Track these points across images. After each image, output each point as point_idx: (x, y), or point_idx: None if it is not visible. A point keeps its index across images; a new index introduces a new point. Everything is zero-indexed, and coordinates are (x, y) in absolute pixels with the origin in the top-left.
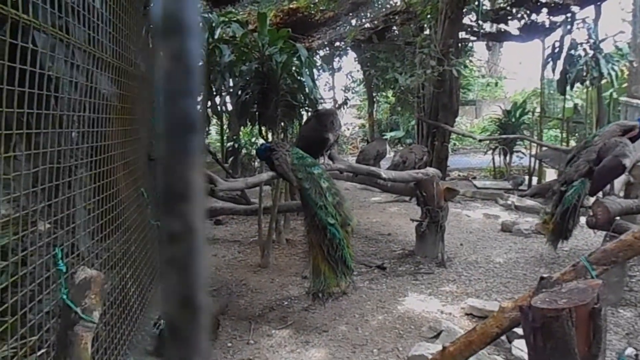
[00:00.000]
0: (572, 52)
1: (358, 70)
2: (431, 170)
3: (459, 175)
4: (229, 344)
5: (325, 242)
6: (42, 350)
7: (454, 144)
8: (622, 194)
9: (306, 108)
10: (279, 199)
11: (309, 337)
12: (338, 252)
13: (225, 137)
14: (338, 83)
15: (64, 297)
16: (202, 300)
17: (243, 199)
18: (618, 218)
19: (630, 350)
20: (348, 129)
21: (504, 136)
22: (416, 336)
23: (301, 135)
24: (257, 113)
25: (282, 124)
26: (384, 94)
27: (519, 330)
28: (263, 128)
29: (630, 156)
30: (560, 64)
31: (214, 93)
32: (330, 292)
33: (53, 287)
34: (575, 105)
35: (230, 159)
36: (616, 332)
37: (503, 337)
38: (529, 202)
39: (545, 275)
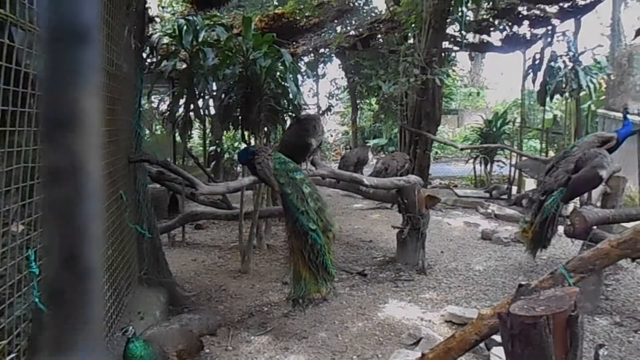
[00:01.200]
0: (552, 64)
1: (342, 77)
2: (413, 178)
3: (440, 183)
4: (207, 350)
5: (306, 248)
6: (12, 355)
7: (436, 153)
8: (599, 203)
9: (289, 113)
10: (260, 204)
11: (288, 343)
12: (319, 258)
13: (207, 141)
14: (322, 89)
15: (37, 300)
16: (90, 260)
17: (224, 204)
18: (595, 227)
19: (602, 351)
20: (331, 136)
21: (484, 145)
22: (396, 343)
23: (284, 140)
24: (239, 117)
25: (265, 128)
26: (367, 101)
27: (497, 338)
28: (246, 133)
29: (608, 168)
30: (540, 76)
31: (197, 96)
32: (311, 298)
33: (25, 290)
34: (555, 116)
35: (212, 164)
36: (592, 340)
37: (482, 345)
38: (508, 210)
39: (523, 283)
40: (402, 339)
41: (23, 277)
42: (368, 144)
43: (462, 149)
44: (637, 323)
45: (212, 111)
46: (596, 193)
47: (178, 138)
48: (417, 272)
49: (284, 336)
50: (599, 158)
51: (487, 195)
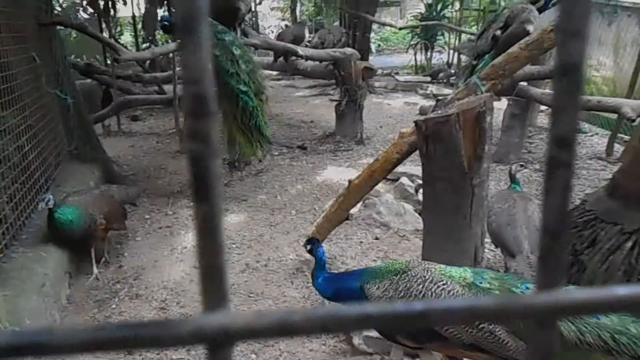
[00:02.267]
0: None
1: None
2: (349, 50)
3: (382, 72)
4: (147, 216)
5: (238, 111)
6: None
7: (378, 45)
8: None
9: None
10: None
11: (229, 206)
12: (252, 120)
13: (140, 40)
14: None
15: None
16: None
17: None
18: (522, 83)
19: (514, 167)
20: (272, 32)
21: (423, 23)
22: (333, 198)
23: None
24: None
25: None
26: None
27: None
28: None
29: (535, 22)
30: None
31: None
32: (247, 162)
33: None
34: None
35: (147, 62)
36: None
37: (412, 191)
38: (446, 91)
39: (441, 97)
40: (339, 193)
41: None
42: (304, 22)
43: (400, 28)
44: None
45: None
46: None
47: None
48: (355, 142)
49: (224, 200)
50: (526, 13)
51: (429, 79)
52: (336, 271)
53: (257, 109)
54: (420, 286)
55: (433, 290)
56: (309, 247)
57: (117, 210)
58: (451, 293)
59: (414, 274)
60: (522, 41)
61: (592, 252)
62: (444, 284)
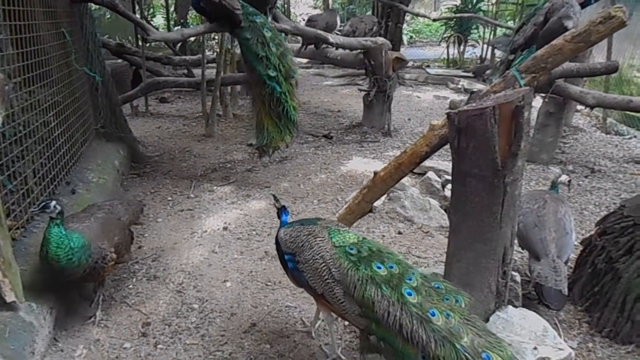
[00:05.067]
0: None
1: None
2: (380, 39)
3: (413, 64)
4: (169, 198)
5: (266, 97)
6: None
7: (411, 37)
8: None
9: None
10: (224, 72)
11: (251, 192)
12: (279, 107)
13: (172, 23)
14: None
15: None
16: None
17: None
18: (559, 80)
19: (564, 177)
20: (303, 20)
21: (457, 15)
22: (356, 190)
23: None
24: None
25: None
26: None
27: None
28: None
29: (574, 18)
30: None
31: None
32: (275, 147)
33: None
34: None
35: (179, 44)
36: (545, 184)
37: (438, 186)
38: (479, 85)
39: (475, 90)
40: (363, 185)
41: None
42: (336, 9)
43: (435, 20)
44: (587, 170)
45: None
46: None
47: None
48: (382, 134)
49: (246, 186)
50: (565, 8)
51: (472, 75)
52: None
53: (286, 95)
54: (305, 237)
55: (310, 242)
56: (277, 205)
57: (126, 237)
58: (320, 247)
59: (310, 228)
60: (567, 33)
61: (628, 260)
62: (320, 240)
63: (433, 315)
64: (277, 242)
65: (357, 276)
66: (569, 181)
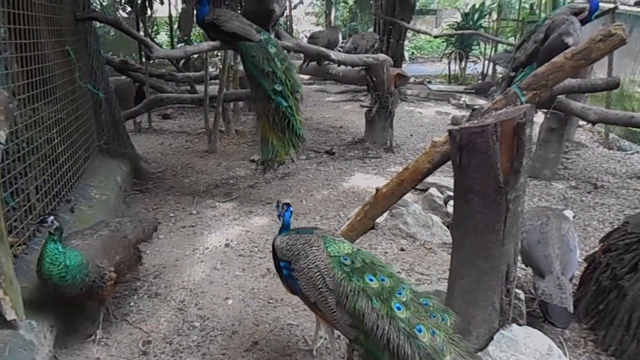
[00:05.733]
0: None
1: None
2: (382, 56)
3: (414, 80)
4: (171, 214)
5: (270, 112)
6: None
7: (412, 53)
8: None
9: None
10: (227, 88)
11: (253, 208)
12: (285, 121)
13: (175, 40)
14: None
15: None
16: None
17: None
18: (561, 96)
19: (568, 213)
20: (306, 37)
21: (459, 32)
22: (358, 205)
23: (245, 8)
24: None
25: (226, 2)
26: None
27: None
28: None
29: (575, 35)
30: None
31: None
32: (281, 161)
33: None
34: (532, 5)
35: (182, 61)
36: (548, 200)
37: (440, 202)
38: (480, 101)
39: (477, 106)
40: (365, 201)
41: None
42: (338, 26)
43: (436, 37)
44: (590, 186)
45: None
46: None
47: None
48: (384, 150)
49: (248, 202)
50: (566, 25)
51: (473, 92)
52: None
53: (292, 109)
54: (301, 246)
55: (306, 251)
56: (280, 210)
57: (131, 255)
58: (315, 257)
59: (307, 237)
60: (568, 50)
61: (633, 277)
62: (316, 249)
63: (420, 331)
64: (273, 249)
65: (349, 287)
66: (574, 217)
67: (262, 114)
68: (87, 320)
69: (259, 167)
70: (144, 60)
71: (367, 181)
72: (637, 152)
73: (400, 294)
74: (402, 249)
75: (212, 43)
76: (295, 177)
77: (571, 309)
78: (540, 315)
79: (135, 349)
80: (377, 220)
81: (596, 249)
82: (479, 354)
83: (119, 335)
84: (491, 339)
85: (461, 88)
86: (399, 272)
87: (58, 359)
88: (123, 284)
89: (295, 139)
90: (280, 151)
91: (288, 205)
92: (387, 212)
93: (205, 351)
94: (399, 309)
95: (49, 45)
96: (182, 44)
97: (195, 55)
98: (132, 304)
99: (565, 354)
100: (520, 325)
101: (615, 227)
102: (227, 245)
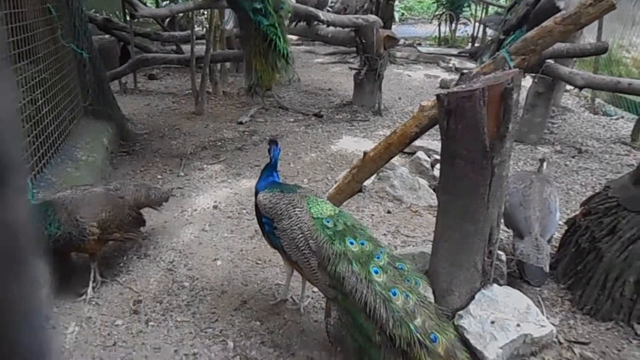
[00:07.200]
0: None
1: None
2: (372, 17)
3: (404, 42)
4: (159, 177)
5: (252, 34)
6: None
7: (402, 14)
8: None
9: None
10: (214, 48)
11: (241, 170)
12: (266, 42)
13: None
14: None
15: None
16: None
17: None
18: (549, 61)
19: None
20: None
21: None
22: (346, 169)
23: None
24: None
25: None
26: None
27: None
28: None
29: None
30: None
31: None
32: (267, 87)
33: None
34: None
35: (167, 20)
36: (533, 164)
37: (427, 166)
38: (469, 64)
39: (465, 71)
40: (353, 164)
41: None
42: None
43: None
44: (575, 151)
45: None
46: None
47: None
48: (373, 113)
49: (236, 165)
50: None
51: (468, 56)
52: (280, 179)
53: (274, 27)
54: (284, 206)
55: (289, 211)
56: (269, 147)
57: (123, 215)
58: (298, 219)
59: (290, 196)
60: (557, 15)
61: (611, 240)
62: (299, 210)
63: (394, 294)
64: (256, 205)
65: (331, 250)
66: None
67: (245, 39)
68: (78, 280)
69: (246, 92)
70: (128, 18)
71: (355, 144)
72: (622, 117)
73: (378, 257)
74: (388, 212)
75: (199, 1)
76: (284, 139)
77: (547, 269)
78: (519, 275)
79: (126, 308)
80: (365, 183)
81: (577, 212)
82: (461, 312)
83: (109, 295)
84: (472, 298)
85: (451, 51)
86: (384, 234)
87: (49, 318)
88: (114, 241)
89: (281, 61)
90: (264, 77)
91: (276, 143)
92: (375, 175)
93: (195, 310)
94: (376, 272)
95: (30, 2)
96: (168, 2)
97: (181, 14)
98: (121, 264)
99: (542, 312)
100: (500, 285)
101: (596, 191)
102: (215, 207)
